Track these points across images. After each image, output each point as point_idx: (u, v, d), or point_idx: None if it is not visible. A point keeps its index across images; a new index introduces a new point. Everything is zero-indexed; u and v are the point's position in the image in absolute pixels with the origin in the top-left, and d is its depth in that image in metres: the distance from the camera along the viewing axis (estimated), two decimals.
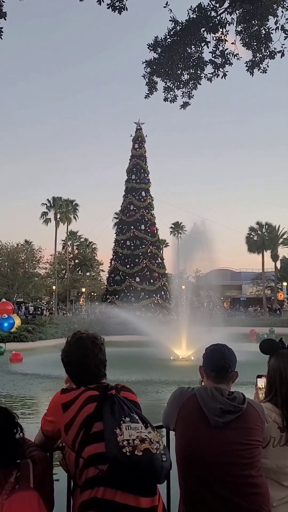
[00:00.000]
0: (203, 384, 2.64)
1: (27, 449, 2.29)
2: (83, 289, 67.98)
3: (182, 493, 2.43)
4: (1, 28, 6.74)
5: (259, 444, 2.39)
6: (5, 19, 6.94)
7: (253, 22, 7.43)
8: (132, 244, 54.33)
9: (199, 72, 8.03)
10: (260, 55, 7.78)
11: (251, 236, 65.38)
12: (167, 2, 7.18)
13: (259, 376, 3.06)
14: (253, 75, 7.95)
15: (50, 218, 66.31)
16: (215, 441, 2.33)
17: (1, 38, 6.89)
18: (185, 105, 8.59)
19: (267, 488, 2.37)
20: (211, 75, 7.98)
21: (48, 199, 66.35)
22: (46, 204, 66.12)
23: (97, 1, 6.61)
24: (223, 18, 7.39)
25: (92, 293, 74.60)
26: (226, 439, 2.33)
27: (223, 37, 7.67)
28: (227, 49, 7.77)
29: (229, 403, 2.38)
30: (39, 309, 57.24)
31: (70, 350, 2.49)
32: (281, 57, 7.56)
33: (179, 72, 8.01)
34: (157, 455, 2.05)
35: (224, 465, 2.29)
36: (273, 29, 7.42)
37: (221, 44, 7.73)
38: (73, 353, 2.47)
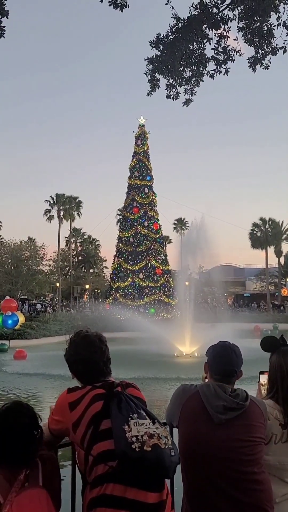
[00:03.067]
0: (206, 380, 2.66)
1: None
2: (87, 286, 68.09)
3: (186, 489, 2.46)
4: (4, 26, 6.74)
5: (261, 441, 2.41)
6: (7, 18, 6.94)
7: (255, 18, 7.39)
8: (135, 240, 54.28)
9: (201, 68, 8.01)
10: (262, 51, 7.75)
11: (254, 232, 65.23)
12: None
13: (262, 372, 3.07)
14: (255, 71, 7.93)
15: (53, 215, 66.23)
16: (217, 438, 2.35)
17: (4, 37, 6.90)
18: (187, 102, 8.57)
19: (270, 485, 2.38)
20: (214, 71, 7.95)
21: (51, 196, 66.28)
22: (49, 201, 66.08)
23: None
24: (225, 15, 7.35)
25: (96, 290, 74.69)
26: (228, 436, 2.35)
27: (225, 34, 7.63)
28: (229, 45, 7.74)
29: (232, 400, 2.40)
30: (43, 306, 57.34)
31: (77, 348, 2.50)
32: (283, 53, 7.54)
33: (181, 69, 7.98)
34: (166, 450, 2.08)
35: (226, 461, 2.31)
36: (275, 25, 7.38)
37: (223, 41, 7.69)
38: (81, 351, 2.48)
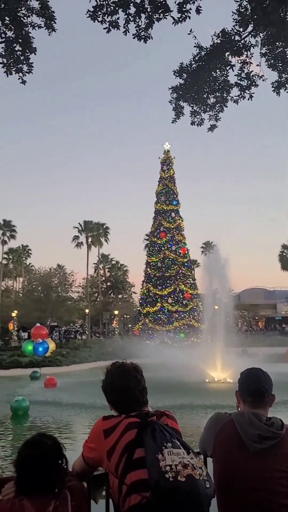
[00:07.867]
0: (239, 409, 2.61)
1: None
2: (116, 312, 68.08)
3: None
4: (32, 63, 7.00)
5: None
6: (35, 54, 7.22)
7: (277, 44, 7.48)
8: (163, 265, 54.27)
9: (225, 95, 8.12)
10: (286, 76, 7.82)
11: (284, 253, 64.54)
12: (191, 29, 7.33)
13: None
14: (279, 95, 7.98)
15: (81, 242, 67.25)
16: (253, 467, 2.29)
17: (32, 72, 7.16)
18: (212, 128, 8.66)
19: None
20: (238, 97, 8.05)
21: (79, 223, 67.46)
22: (77, 228, 67.14)
23: (123, 32, 6.79)
24: (247, 42, 7.47)
25: (125, 316, 74.65)
26: (264, 465, 2.29)
27: (247, 60, 7.75)
28: (252, 71, 7.86)
29: (267, 429, 2.35)
30: (73, 332, 57.55)
31: (113, 377, 2.51)
32: None
33: (205, 96, 8.11)
34: (200, 481, 2.04)
35: (262, 492, 2.25)
36: None
37: (246, 67, 7.81)
38: (116, 379, 2.49)
